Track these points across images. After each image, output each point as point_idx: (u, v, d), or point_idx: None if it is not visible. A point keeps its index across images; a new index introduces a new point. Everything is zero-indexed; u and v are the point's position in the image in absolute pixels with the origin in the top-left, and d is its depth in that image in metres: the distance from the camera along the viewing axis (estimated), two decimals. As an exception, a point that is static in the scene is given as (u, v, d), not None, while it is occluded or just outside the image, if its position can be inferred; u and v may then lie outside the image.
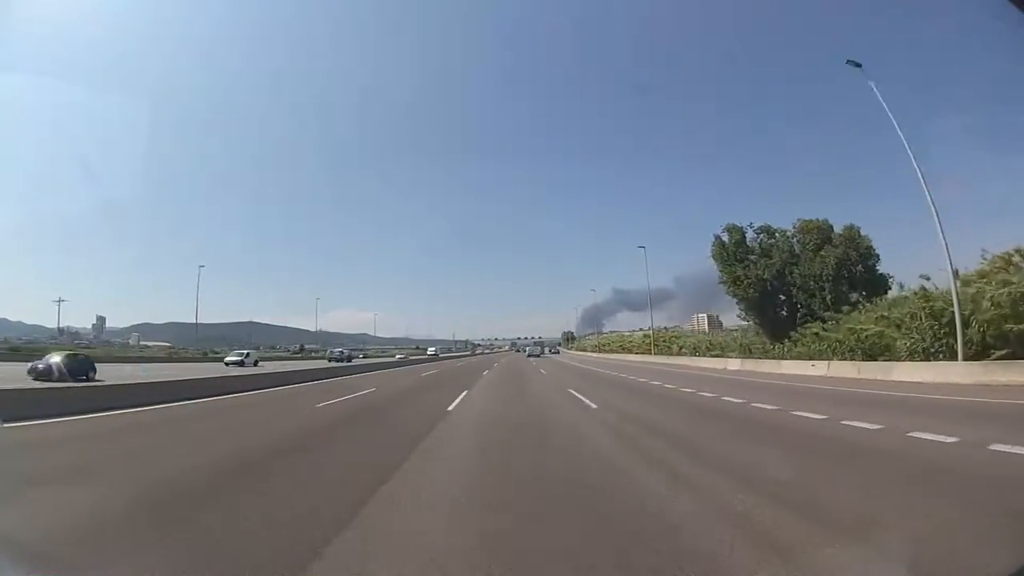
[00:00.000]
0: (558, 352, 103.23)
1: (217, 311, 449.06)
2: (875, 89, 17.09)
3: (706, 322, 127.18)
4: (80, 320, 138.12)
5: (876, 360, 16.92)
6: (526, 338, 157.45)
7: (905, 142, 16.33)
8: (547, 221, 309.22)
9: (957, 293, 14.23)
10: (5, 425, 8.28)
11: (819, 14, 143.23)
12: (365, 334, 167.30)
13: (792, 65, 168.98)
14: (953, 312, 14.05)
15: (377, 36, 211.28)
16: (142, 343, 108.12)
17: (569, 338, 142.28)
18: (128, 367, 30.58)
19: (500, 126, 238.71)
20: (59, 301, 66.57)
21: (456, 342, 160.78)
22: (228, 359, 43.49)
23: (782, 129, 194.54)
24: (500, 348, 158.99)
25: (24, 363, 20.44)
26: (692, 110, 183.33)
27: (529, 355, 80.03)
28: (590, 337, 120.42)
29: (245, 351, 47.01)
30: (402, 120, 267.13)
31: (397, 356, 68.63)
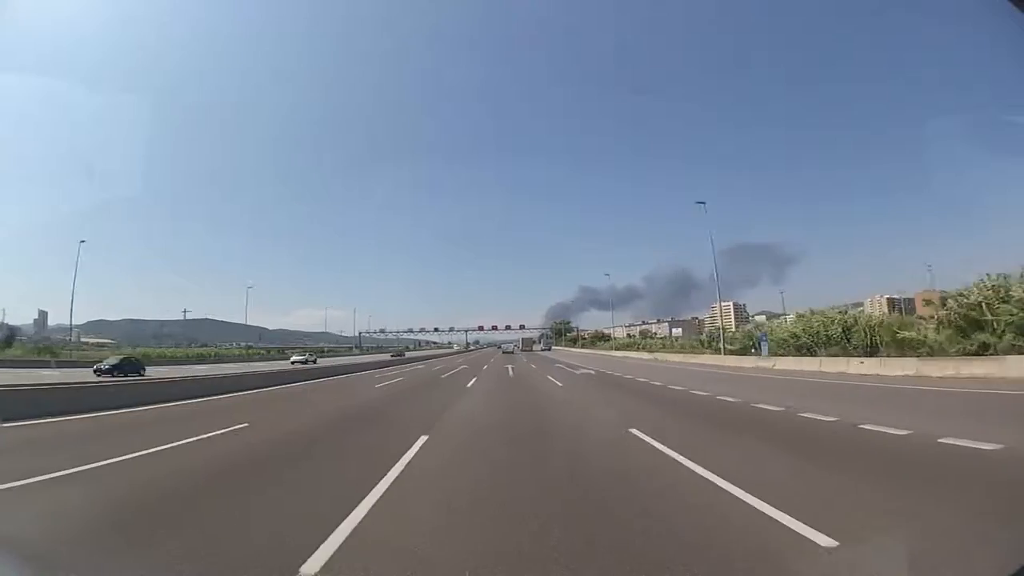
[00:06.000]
0: (550, 349, 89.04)
1: (171, 307, 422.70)
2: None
3: (732, 311, 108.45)
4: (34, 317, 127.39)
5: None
6: (490, 329, 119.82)
7: None
8: (516, 221, 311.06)
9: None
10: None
11: (819, 14, 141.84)
12: (325, 332, 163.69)
13: (790, 66, 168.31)
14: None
15: (352, 32, 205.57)
16: (82, 340, 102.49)
17: (560, 332, 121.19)
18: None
19: (467, 127, 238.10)
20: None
21: (374, 333, 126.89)
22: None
23: (770, 131, 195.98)
24: (448, 347, 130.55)
25: None
26: (673, 111, 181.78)
27: (504, 352, 68.16)
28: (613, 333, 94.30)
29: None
30: (374, 119, 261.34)
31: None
